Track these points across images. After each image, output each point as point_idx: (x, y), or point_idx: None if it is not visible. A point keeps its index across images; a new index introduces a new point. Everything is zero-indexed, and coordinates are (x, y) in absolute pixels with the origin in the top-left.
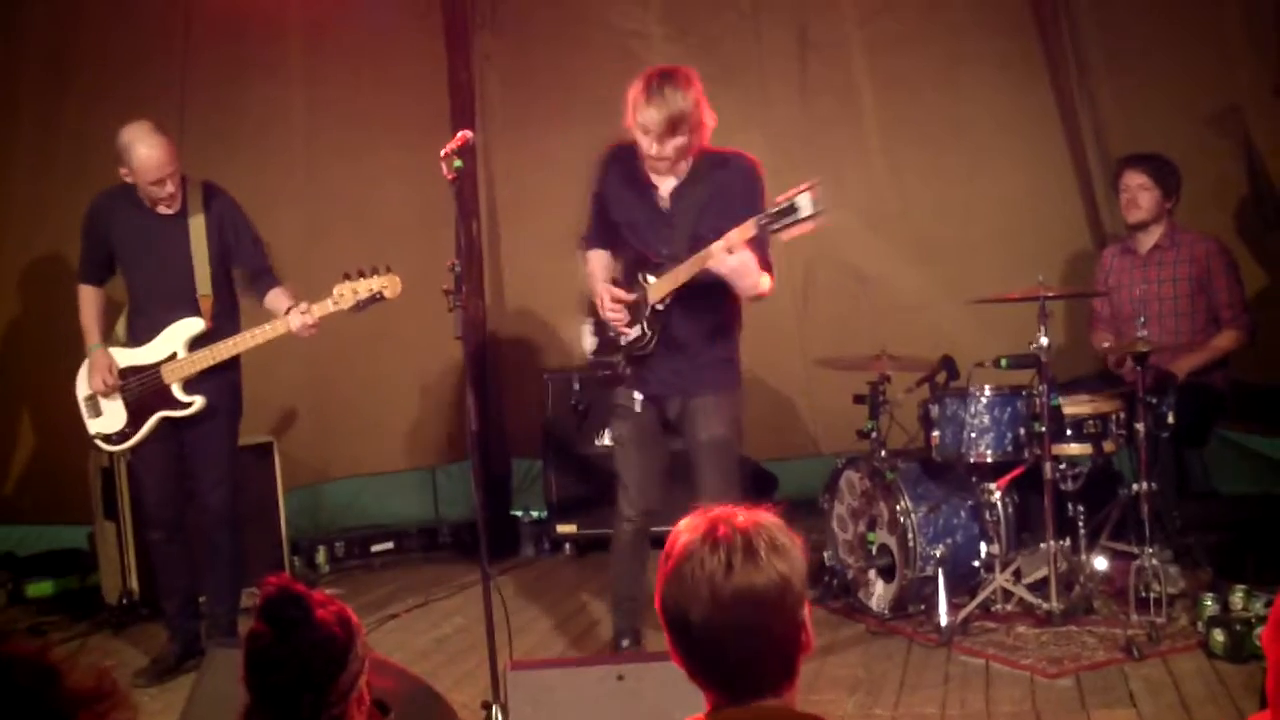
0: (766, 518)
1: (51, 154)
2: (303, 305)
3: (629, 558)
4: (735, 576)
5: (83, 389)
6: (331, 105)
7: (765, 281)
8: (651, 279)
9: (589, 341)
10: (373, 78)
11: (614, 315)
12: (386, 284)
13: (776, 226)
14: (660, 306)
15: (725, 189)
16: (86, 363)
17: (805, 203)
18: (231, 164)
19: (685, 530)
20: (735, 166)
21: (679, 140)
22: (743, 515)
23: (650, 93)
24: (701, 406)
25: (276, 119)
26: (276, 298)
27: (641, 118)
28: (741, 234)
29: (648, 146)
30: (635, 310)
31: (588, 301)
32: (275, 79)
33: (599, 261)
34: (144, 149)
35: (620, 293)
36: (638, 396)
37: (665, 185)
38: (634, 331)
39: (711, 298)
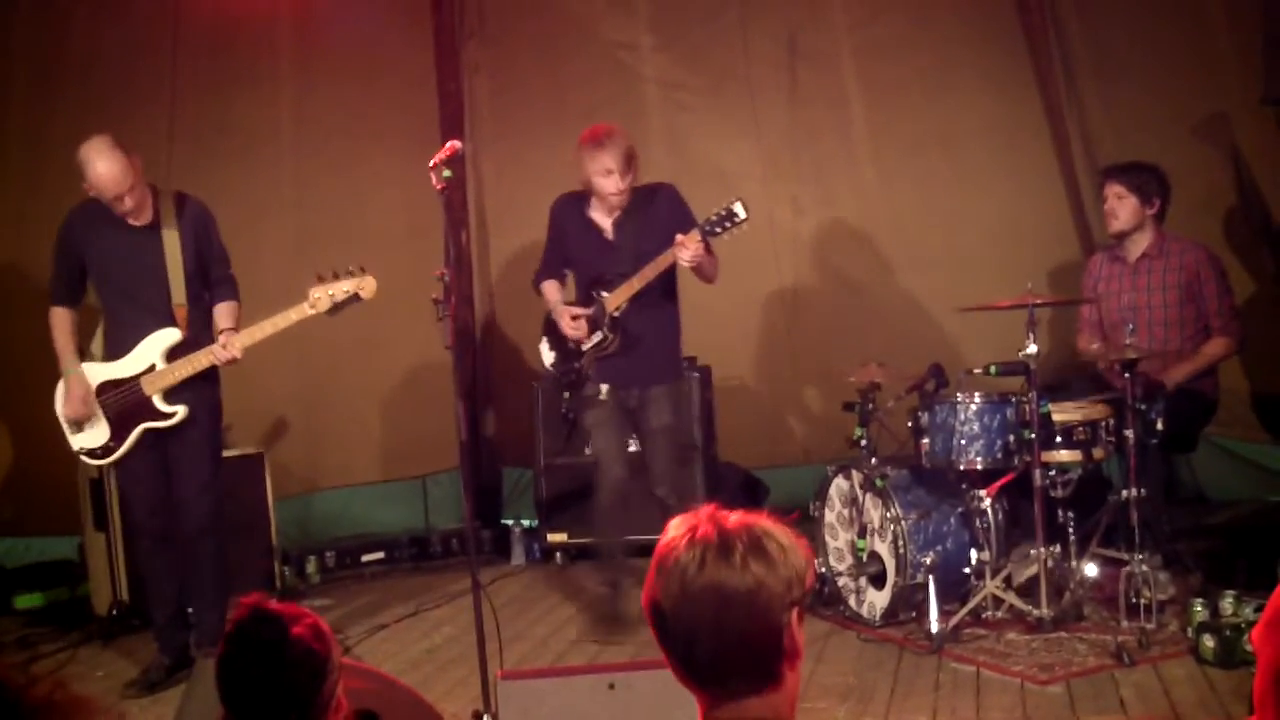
0: (764, 523)
1: (39, 167)
2: (224, 337)
3: (613, 512)
4: (705, 572)
5: (61, 409)
6: (321, 116)
7: (715, 264)
8: (605, 294)
9: (548, 356)
10: (362, 88)
11: (575, 330)
12: (362, 285)
13: (719, 230)
14: (617, 313)
15: (657, 213)
16: (62, 383)
17: (740, 209)
18: (221, 174)
19: (674, 528)
20: (661, 194)
21: (631, 175)
22: (735, 517)
23: (602, 142)
24: (654, 396)
25: (266, 129)
26: (220, 314)
27: (603, 163)
28: (691, 239)
29: (612, 185)
30: (595, 321)
31: (543, 323)
32: (264, 90)
33: (554, 290)
34: (101, 165)
35: (578, 309)
36: (603, 387)
37: (606, 221)
38: (596, 337)
39: (657, 301)
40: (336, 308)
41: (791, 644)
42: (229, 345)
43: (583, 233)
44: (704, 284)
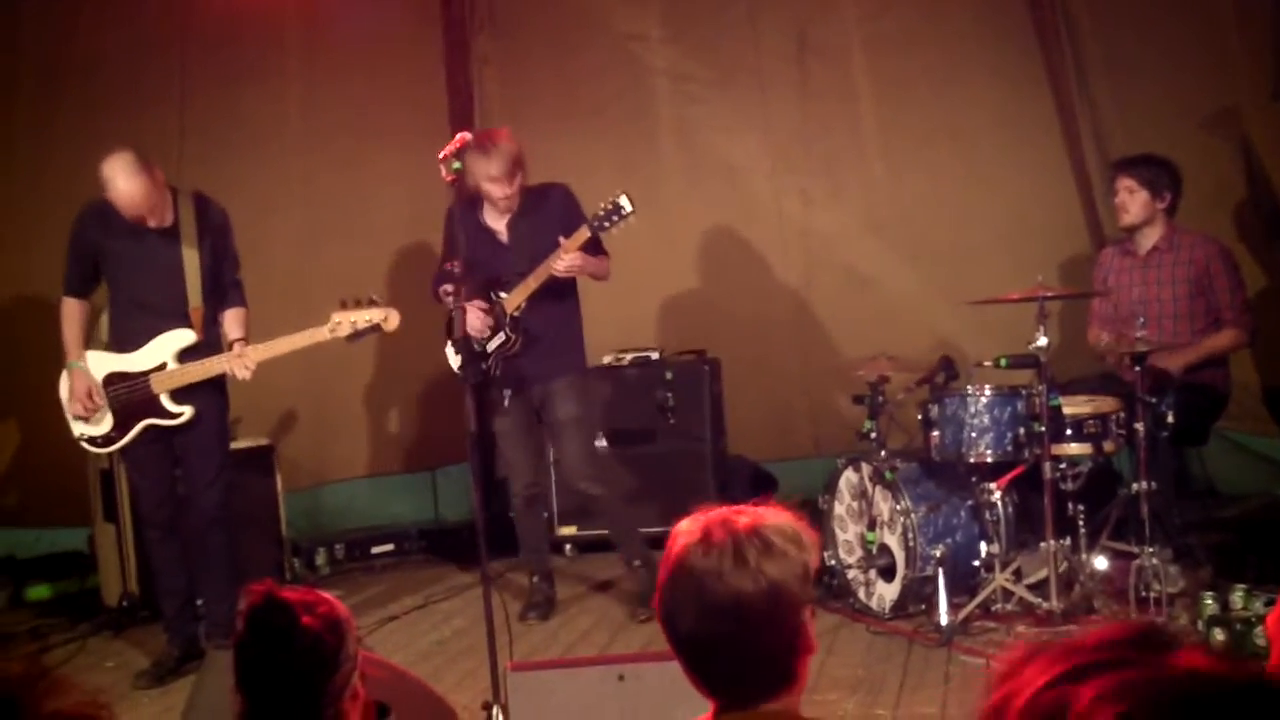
0: (771, 517)
1: (48, 161)
2: (238, 348)
3: (526, 518)
4: (723, 583)
5: (65, 396)
6: (330, 109)
7: (606, 265)
8: (504, 295)
9: (454, 361)
10: (370, 82)
11: (480, 327)
12: (386, 315)
13: (607, 225)
14: (517, 313)
15: (549, 213)
16: (66, 373)
17: (625, 202)
18: (230, 168)
19: (684, 533)
20: (552, 194)
21: (518, 180)
22: (745, 517)
23: (488, 150)
24: (557, 389)
25: (274, 123)
26: (230, 321)
27: (489, 170)
28: (576, 240)
29: (499, 191)
30: (496, 322)
31: (445, 328)
32: (273, 84)
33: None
34: (123, 186)
35: (484, 304)
36: (506, 393)
37: (500, 224)
38: (499, 338)
39: (555, 298)
40: (356, 335)
41: (806, 640)
42: (245, 361)
43: (477, 236)
44: (600, 283)
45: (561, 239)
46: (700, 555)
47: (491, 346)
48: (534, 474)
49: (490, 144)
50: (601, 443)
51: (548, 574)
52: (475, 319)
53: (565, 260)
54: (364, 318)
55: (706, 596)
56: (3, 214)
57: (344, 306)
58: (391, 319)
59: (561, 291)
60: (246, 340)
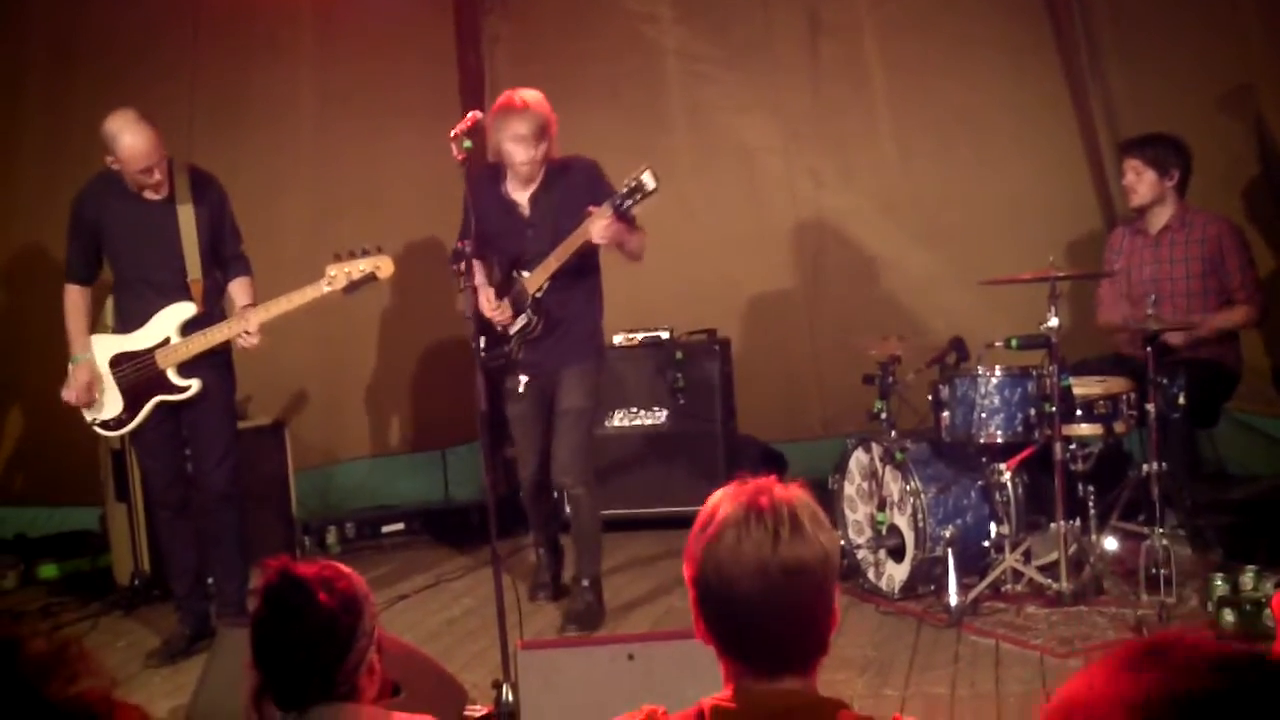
0: (798, 491)
1: (60, 140)
2: (244, 312)
3: (533, 507)
4: (783, 549)
5: (67, 393)
6: (341, 88)
7: (643, 240)
8: (526, 274)
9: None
10: (382, 60)
11: (500, 315)
12: (379, 264)
13: (630, 203)
14: (539, 294)
15: (574, 188)
16: (71, 367)
17: (649, 179)
18: (241, 147)
19: (725, 500)
20: (578, 168)
21: (544, 146)
22: (781, 488)
23: (516, 108)
24: (566, 377)
25: (286, 102)
26: (238, 289)
27: (517, 128)
28: (601, 214)
29: (522, 154)
30: (517, 304)
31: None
32: (284, 62)
33: (479, 272)
34: (129, 137)
35: (493, 295)
36: (522, 379)
37: (523, 196)
38: (521, 320)
39: (578, 279)
40: (353, 286)
41: (836, 612)
42: (246, 325)
43: (498, 210)
44: (632, 262)
45: (591, 208)
46: (754, 521)
47: (514, 329)
48: (539, 462)
49: (522, 101)
50: (615, 421)
51: (556, 551)
52: (492, 311)
53: (601, 225)
54: (358, 268)
55: (767, 561)
56: (14, 194)
57: (338, 259)
58: (385, 267)
59: (584, 272)
60: (254, 305)
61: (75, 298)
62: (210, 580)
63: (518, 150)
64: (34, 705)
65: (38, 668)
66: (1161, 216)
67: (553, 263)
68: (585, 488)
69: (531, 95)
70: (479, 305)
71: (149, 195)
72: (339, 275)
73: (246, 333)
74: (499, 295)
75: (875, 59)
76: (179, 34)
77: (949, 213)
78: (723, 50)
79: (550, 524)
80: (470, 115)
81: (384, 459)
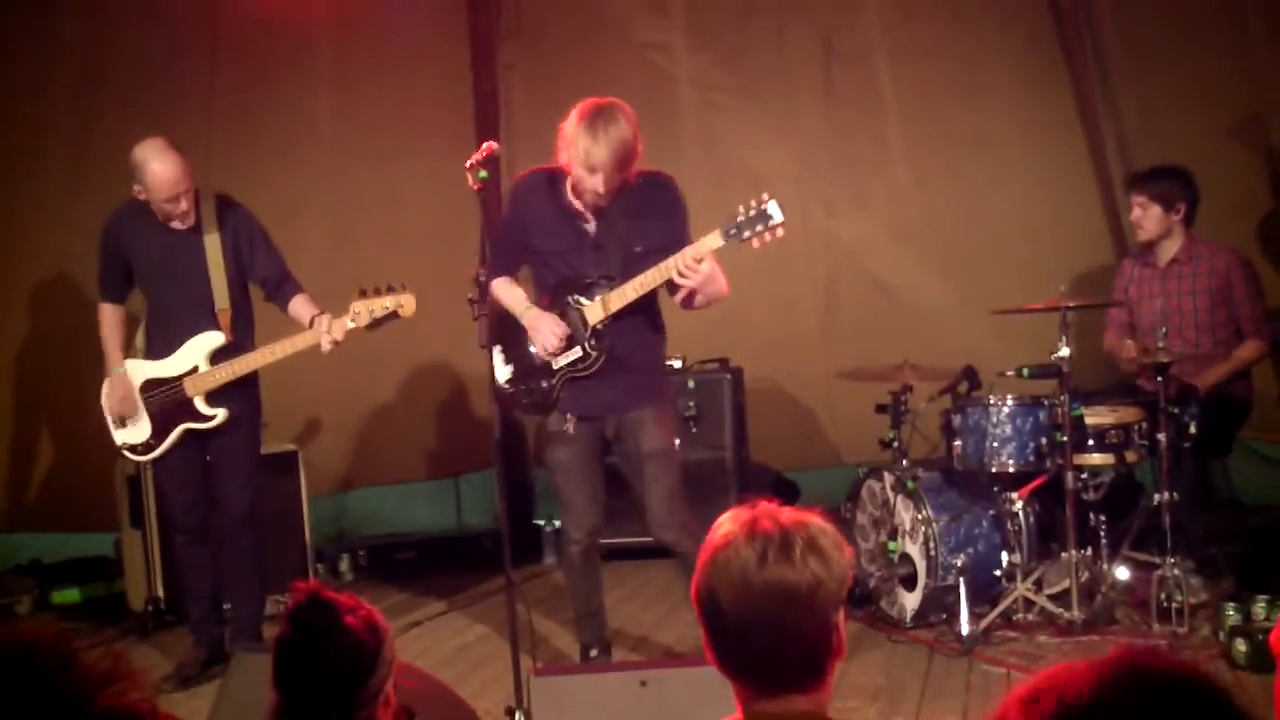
0: (815, 520)
1: (85, 162)
2: (325, 321)
3: (583, 574)
4: (767, 569)
5: (105, 401)
6: (358, 113)
7: (722, 289)
8: (585, 300)
9: (502, 371)
10: (398, 86)
11: (556, 343)
12: (402, 301)
13: (748, 234)
14: (600, 326)
15: (649, 207)
16: (108, 380)
17: (775, 210)
18: (259, 171)
19: (728, 522)
20: (657, 185)
21: (623, 175)
22: (789, 514)
23: (598, 130)
24: (640, 419)
25: (303, 127)
26: (300, 306)
27: (591, 158)
28: (706, 245)
29: (594, 184)
30: (571, 335)
31: (487, 330)
32: (302, 87)
33: (509, 288)
34: (157, 166)
35: (558, 322)
36: (570, 418)
37: (587, 209)
38: (574, 354)
39: (643, 312)
40: (375, 324)
41: (838, 642)
42: (332, 329)
43: (555, 220)
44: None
45: (690, 237)
46: (745, 541)
47: (560, 363)
48: (593, 519)
49: (605, 122)
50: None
51: (605, 645)
52: (553, 338)
53: (695, 263)
54: (382, 305)
55: (750, 577)
56: (38, 218)
57: (362, 295)
58: (408, 305)
59: (649, 304)
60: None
61: (109, 315)
62: (226, 605)
63: (591, 180)
64: (88, 714)
65: (92, 679)
66: (1169, 249)
67: (630, 293)
68: (693, 540)
69: (621, 110)
70: (532, 334)
71: (176, 225)
72: (363, 312)
73: (336, 342)
74: None
75: (888, 86)
76: (198, 57)
77: (961, 241)
78: (735, 78)
79: (600, 606)
80: (486, 145)
81: (398, 486)
